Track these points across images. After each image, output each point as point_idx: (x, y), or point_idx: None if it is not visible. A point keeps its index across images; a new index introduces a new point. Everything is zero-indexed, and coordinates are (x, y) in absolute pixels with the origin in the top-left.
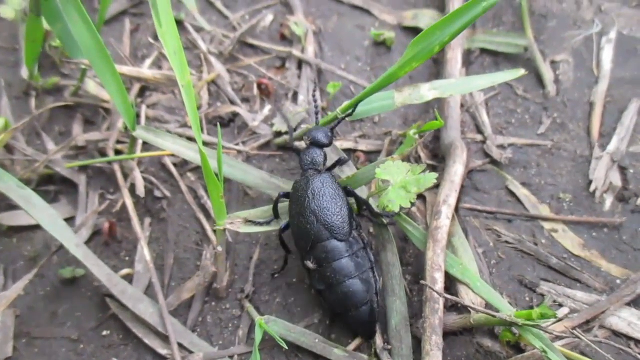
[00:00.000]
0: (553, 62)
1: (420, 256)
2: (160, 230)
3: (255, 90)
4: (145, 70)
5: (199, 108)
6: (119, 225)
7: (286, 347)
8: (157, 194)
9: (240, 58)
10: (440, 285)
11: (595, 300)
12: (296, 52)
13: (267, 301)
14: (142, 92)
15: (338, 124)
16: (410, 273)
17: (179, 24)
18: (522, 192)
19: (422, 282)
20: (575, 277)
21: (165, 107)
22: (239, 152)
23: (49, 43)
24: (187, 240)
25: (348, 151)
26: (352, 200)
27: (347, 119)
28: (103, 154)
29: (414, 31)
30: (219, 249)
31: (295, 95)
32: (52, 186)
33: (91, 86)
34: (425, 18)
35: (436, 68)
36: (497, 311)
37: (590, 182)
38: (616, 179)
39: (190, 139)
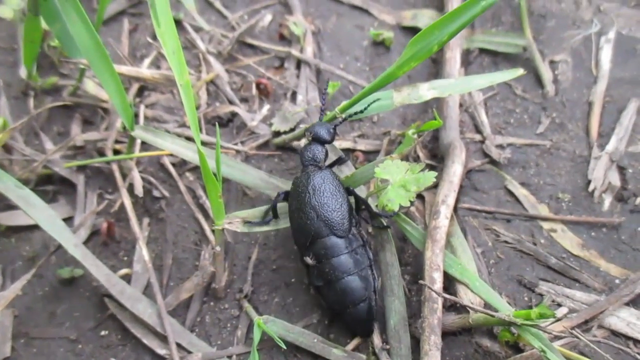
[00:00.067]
0: (552, 62)
1: (418, 256)
2: (159, 230)
3: (254, 90)
4: (144, 70)
5: (197, 108)
6: (117, 225)
7: (285, 347)
8: (156, 193)
9: (239, 58)
10: (438, 285)
11: (594, 300)
12: (295, 52)
13: (265, 301)
14: (140, 92)
15: (342, 122)
16: (409, 273)
17: (178, 23)
18: (520, 192)
19: (420, 281)
20: (574, 277)
21: (164, 106)
22: (238, 151)
23: (48, 43)
24: (185, 240)
25: (347, 151)
26: (352, 201)
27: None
28: (101, 153)
29: (413, 31)
30: (218, 248)
31: (294, 95)
32: (51, 186)
33: (90, 86)
34: (424, 18)
35: (435, 68)
36: (496, 311)
37: (589, 181)
38: (615, 179)
39: (189, 139)
